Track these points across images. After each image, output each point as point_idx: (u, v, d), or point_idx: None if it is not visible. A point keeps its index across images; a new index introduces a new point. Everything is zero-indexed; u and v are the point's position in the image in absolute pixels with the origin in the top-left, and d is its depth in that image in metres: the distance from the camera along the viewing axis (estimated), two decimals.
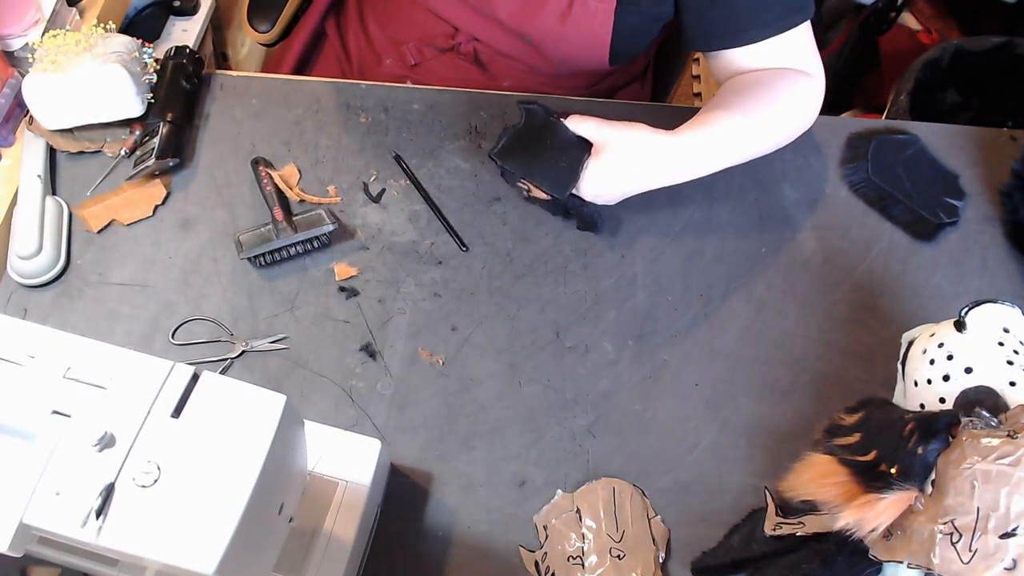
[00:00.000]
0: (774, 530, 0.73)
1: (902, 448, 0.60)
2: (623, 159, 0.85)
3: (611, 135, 0.85)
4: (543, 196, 0.89)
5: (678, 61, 1.28)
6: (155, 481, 0.48)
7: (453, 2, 1.02)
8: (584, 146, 0.87)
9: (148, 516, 0.47)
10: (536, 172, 0.87)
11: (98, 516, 0.46)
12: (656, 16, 0.96)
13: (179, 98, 0.98)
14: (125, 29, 1.13)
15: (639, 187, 0.88)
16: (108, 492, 0.47)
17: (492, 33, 1.03)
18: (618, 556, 0.75)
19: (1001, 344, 0.68)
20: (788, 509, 0.73)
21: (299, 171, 0.99)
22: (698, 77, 1.97)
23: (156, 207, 0.95)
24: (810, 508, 0.69)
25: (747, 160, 0.94)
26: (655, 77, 1.27)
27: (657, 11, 0.94)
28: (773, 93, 0.91)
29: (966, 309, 0.71)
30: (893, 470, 0.59)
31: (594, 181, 0.86)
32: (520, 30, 0.98)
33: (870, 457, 0.61)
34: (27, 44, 0.98)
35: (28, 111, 0.96)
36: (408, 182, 0.99)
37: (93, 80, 0.91)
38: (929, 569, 0.56)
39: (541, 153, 0.87)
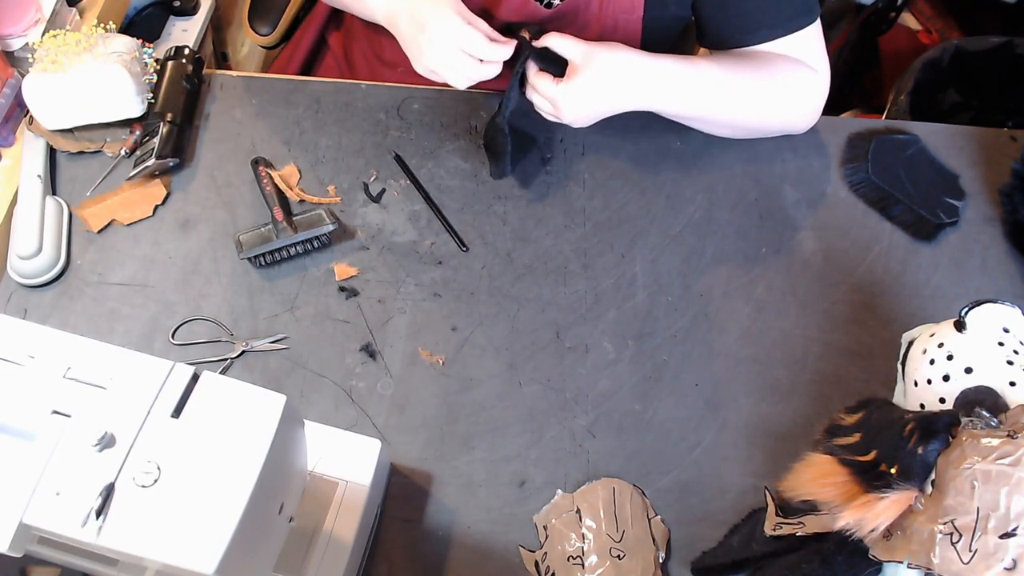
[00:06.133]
0: (774, 530, 0.72)
1: (902, 448, 0.60)
2: (598, 79, 0.86)
3: (586, 56, 0.85)
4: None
5: None
6: (155, 481, 0.48)
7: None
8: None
9: (148, 516, 0.47)
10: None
11: (98, 516, 0.46)
12: (679, 17, 0.99)
13: (179, 98, 0.98)
14: (125, 29, 1.13)
15: (614, 107, 0.90)
16: (108, 492, 0.47)
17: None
18: (618, 556, 0.75)
19: (1001, 344, 0.68)
20: (788, 509, 0.73)
21: (299, 171, 0.99)
22: None
23: (156, 207, 0.95)
24: (810, 508, 0.69)
25: (731, 120, 0.96)
26: None
27: (681, 13, 0.98)
28: (769, 65, 0.93)
29: (966, 309, 0.70)
30: (893, 470, 0.59)
31: (572, 104, 0.87)
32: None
33: (870, 457, 0.61)
34: (27, 44, 0.98)
35: (28, 111, 0.96)
36: (408, 182, 0.99)
37: (93, 80, 0.92)
38: (929, 569, 0.56)
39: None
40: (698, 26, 0.98)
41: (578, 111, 0.88)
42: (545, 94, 0.87)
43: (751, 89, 0.92)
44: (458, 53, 0.84)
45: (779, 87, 0.93)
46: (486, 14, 0.92)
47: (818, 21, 0.93)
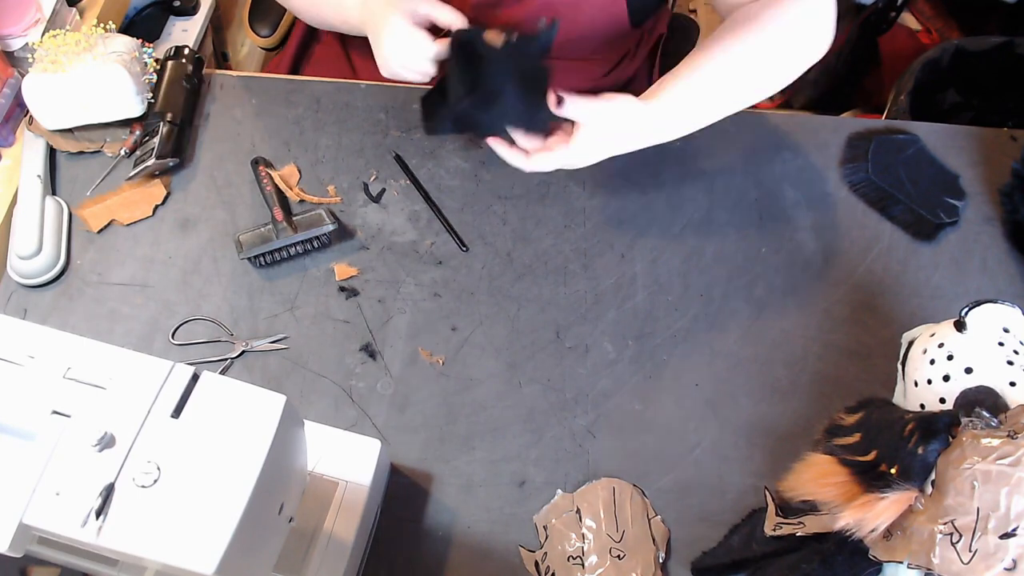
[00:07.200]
0: (774, 530, 0.73)
1: (902, 448, 0.60)
2: (606, 132, 0.85)
3: (592, 112, 0.84)
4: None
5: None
6: (155, 481, 0.48)
7: None
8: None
9: (148, 516, 0.47)
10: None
11: (98, 516, 0.46)
12: None
13: (179, 98, 0.98)
14: (125, 29, 1.13)
15: (627, 149, 0.88)
16: (108, 492, 0.47)
17: (509, 16, 1.01)
18: (618, 556, 0.75)
19: (1001, 344, 0.68)
20: (788, 509, 0.73)
21: (299, 171, 0.99)
22: None
23: (156, 207, 0.95)
24: (810, 508, 0.69)
25: (752, 92, 0.91)
26: (662, 69, 1.27)
27: None
28: (762, 27, 0.88)
29: (966, 309, 0.71)
30: (893, 470, 0.59)
31: (582, 154, 0.86)
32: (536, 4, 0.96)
33: (870, 457, 0.61)
34: (27, 44, 0.98)
35: (28, 111, 0.96)
36: (408, 182, 0.99)
37: (93, 80, 0.92)
38: (929, 569, 0.56)
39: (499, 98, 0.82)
40: None
41: (586, 162, 0.87)
42: (558, 162, 0.86)
43: (754, 63, 0.88)
44: (409, 55, 0.85)
45: (778, 44, 0.88)
46: None
47: None
